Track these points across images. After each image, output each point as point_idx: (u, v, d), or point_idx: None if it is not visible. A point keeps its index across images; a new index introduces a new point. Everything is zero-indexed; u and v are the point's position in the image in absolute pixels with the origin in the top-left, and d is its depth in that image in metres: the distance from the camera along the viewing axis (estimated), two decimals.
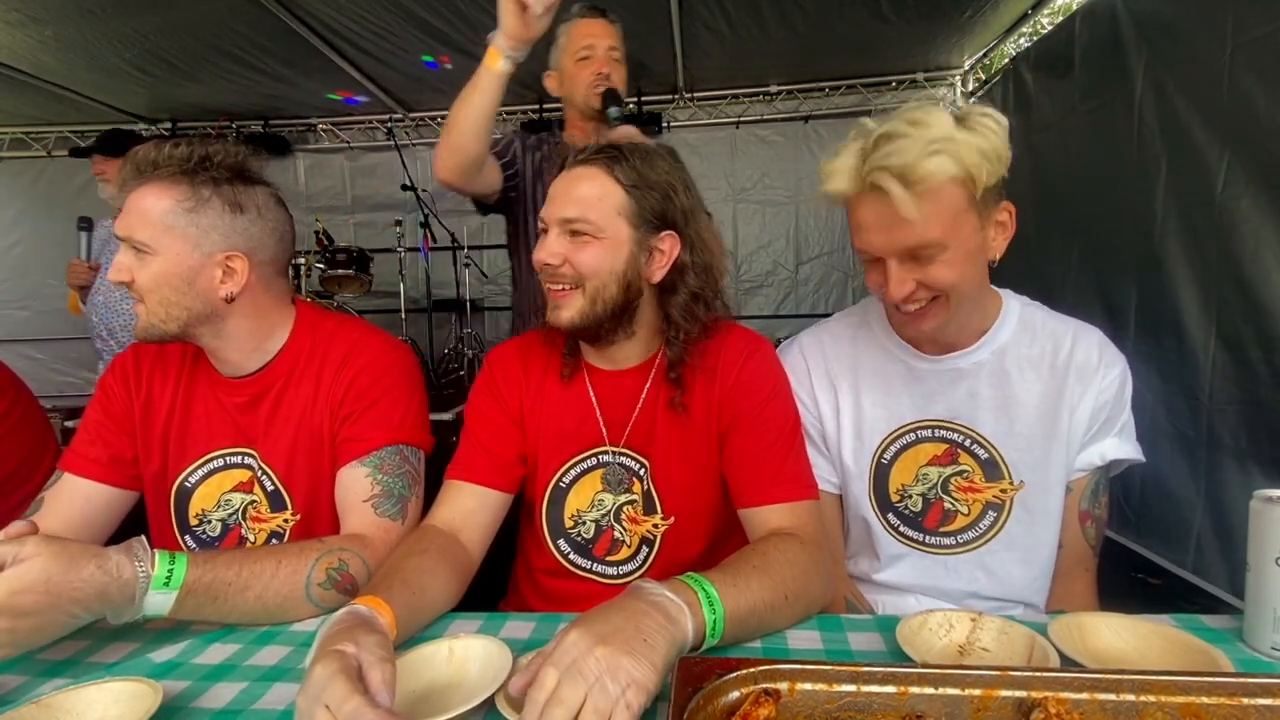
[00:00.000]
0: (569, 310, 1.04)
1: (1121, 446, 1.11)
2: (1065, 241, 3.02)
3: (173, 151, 1.04)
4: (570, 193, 1.04)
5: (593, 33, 1.86)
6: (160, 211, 1.04)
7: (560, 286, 1.05)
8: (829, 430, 1.20)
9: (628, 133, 1.65)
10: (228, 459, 1.17)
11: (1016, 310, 1.13)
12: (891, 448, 1.17)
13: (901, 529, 1.17)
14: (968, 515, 1.14)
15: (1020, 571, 1.13)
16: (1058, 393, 1.09)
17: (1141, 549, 2.54)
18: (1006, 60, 4.35)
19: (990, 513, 1.13)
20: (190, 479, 1.17)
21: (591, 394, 1.14)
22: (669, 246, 1.06)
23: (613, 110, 1.77)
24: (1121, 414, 1.11)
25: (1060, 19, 3.57)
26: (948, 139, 0.92)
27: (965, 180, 0.94)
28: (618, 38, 1.90)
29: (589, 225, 1.02)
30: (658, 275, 1.06)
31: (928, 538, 1.16)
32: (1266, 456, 2.02)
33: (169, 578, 0.82)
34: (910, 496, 1.16)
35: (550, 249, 1.03)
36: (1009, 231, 1.03)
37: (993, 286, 1.13)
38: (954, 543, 1.15)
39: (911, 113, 0.95)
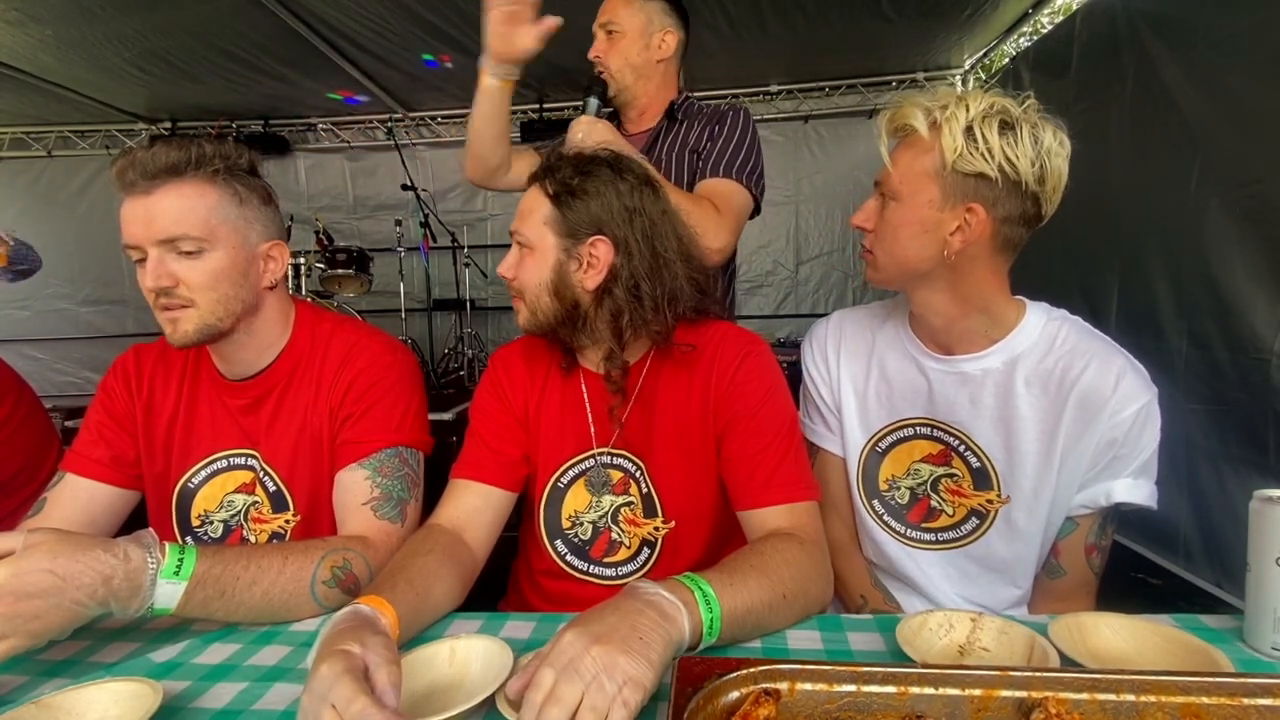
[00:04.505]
0: (520, 316, 1.10)
1: (1133, 490, 1.03)
2: (1064, 243, 3.02)
3: (203, 150, 1.04)
4: (517, 208, 1.10)
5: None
6: (209, 207, 1.03)
7: (514, 294, 1.11)
8: (830, 402, 1.24)
9: (579, 126, 1.50)
10: (231, 460, 1.17)
11: (1040, 322, 1.08)
12: (888, 438, 1.18)
13: (885, 517, 1.18)
14: (952, 516, 1.14)
15: (992, 579, 1.13)
16: (1057, 415, 1.04)
17: (1140, 549, 2.55)
18: (1007, 60, 4.35)
19: (973, 519, 1.13)
20: (193, 480, 1.17)
21: (585, 396, 1.14)
22: (602, 253, 1.04)
23: (590, 101, 1.59)
24: (1137, 455, 1.02)
25: (1060, 19, 3.57)
26: (944, 108, 0.99)
27: (934, 148, 1.00)
28: (617, 5, 1.66)
29: (523, 238, 1.07)
30: (591, 283, 1.04)
31: (909, 530, 1.17)
32: (1236, 457, 2.02)
33: (179, 567, 0.82)
34: (898, 489, 1.17)
35: (506, 262, 1.10)
36: (967, 235, 1.00)
37: (1020, 298, 1.11)
38: (934, 539, 1.15)
39: (974, 90, 1.03)
